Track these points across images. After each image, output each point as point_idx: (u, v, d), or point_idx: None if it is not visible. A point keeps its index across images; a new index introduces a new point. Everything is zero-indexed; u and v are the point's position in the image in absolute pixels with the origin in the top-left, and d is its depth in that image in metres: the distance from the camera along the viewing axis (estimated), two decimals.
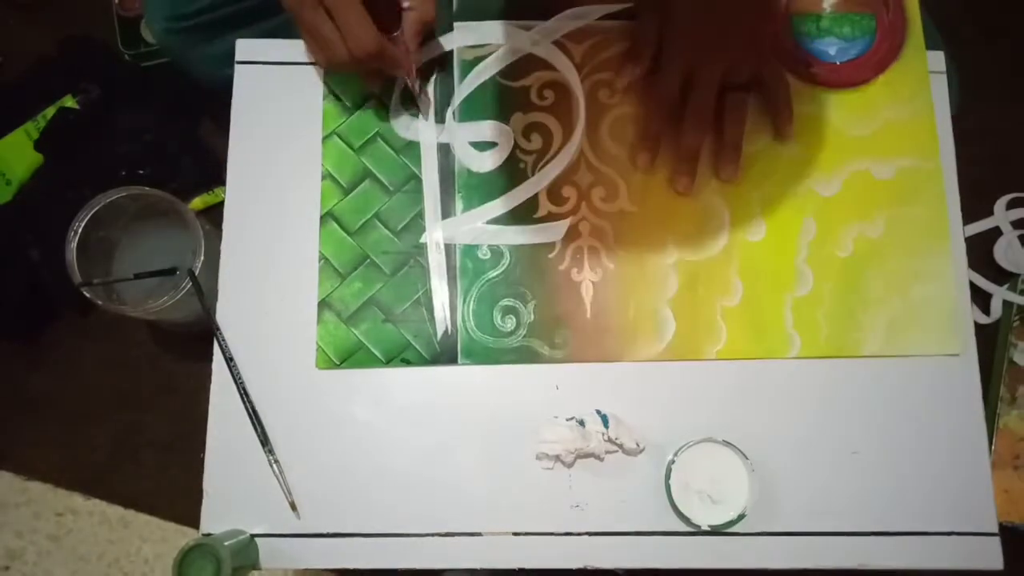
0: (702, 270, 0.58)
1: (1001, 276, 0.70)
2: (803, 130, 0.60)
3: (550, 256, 0.58)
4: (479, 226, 0.58)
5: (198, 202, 1.04)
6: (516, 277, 0.58)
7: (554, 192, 0.59)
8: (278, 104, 0.60)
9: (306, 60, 0.62)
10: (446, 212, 0.59)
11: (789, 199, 0.59)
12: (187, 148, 1.01)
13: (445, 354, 0.56)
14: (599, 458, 0.55)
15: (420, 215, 0.59)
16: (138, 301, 0.62)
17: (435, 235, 0.58)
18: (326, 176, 0.59)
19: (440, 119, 0.60)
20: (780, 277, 0.58)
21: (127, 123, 0.96)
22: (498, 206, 0.59)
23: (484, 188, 0.59)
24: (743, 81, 0.58)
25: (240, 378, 0.56)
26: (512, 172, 0.59)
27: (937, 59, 0.63)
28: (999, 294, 0.69)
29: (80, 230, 0.60)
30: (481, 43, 0.61)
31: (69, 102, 0.97)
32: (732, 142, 0.59)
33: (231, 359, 0.56)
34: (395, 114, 0.60)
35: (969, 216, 0.62)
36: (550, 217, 0.58)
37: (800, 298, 0.58)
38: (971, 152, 0.62)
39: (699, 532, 0.54)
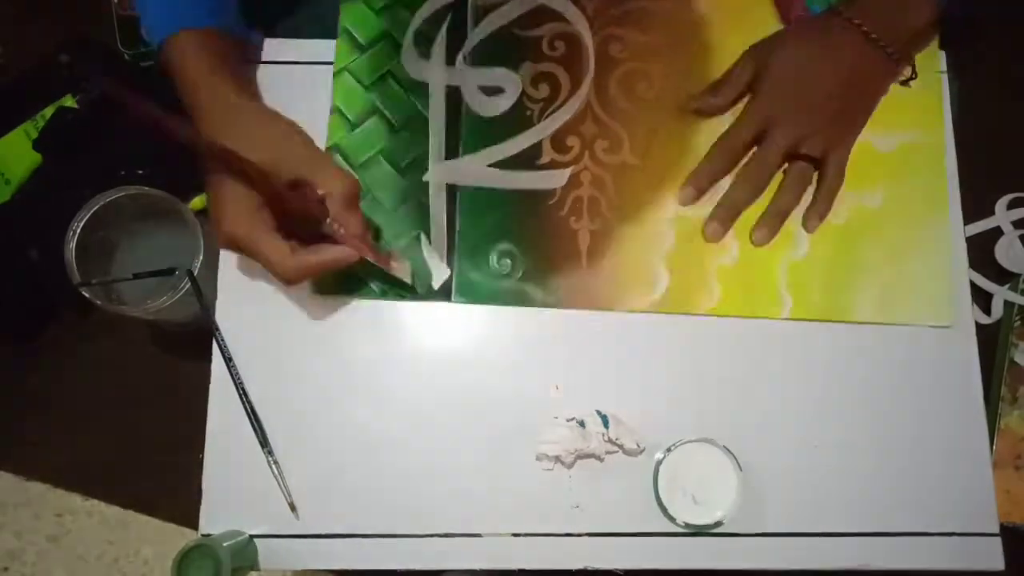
0: (698, 228, 0.59)
1: (1002, 276, 0.70)
2: None
3: (550, 203, 0.59)
4: (482, 168, 0.59)
5: (198, 202, 1.04)
6: (515, 221, 0.58)
7: (558, 140, 0.60)
8: (278, 104, 0.60)
9: (307, 60, 0.62)
10: (451, 153, 0.59)
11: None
12: (186, 147, 1.01)
13: (440, 291, 0.57)
14: (599, 459, 0.55)
15: (424, 155, 0.59)
16: (137, 301, 0.62)
17: (438, 175, 0.59)
18: (335, 111, 0.60)
19: (451, 61, 0.61)
20: (776, 239, 0.59)
21: (127, 123, 0.96)
22: (502, 150, 0.59)
23: (490, 132, 0.60)
24: (814, 155, 0.58)
25: (239, 378, 0.56)
26: (518, 118, 0.60)
27: (938, 59, 0.63)
28: (1000, 294, 0.69)
29: (79, 230, 0.60)
30: None
31: (68, 102, 0.97)
32: (779, 209, 0.59)
33: (230, 359, 0.56)
34: (407, 52, 0.61)
35: (970, 216, 0.62)
36: (553, 165, 0.59)
37: (795, 261, 0.58)
38: (971, 152, 0.62)
39: (698, 533, 0.54)
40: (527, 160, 0.59)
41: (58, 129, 0.96)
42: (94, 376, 1.01)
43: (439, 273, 0.57)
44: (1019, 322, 0.67)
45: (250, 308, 0.58)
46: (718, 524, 0.52)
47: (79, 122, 0.96)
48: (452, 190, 0.59)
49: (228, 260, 0.58)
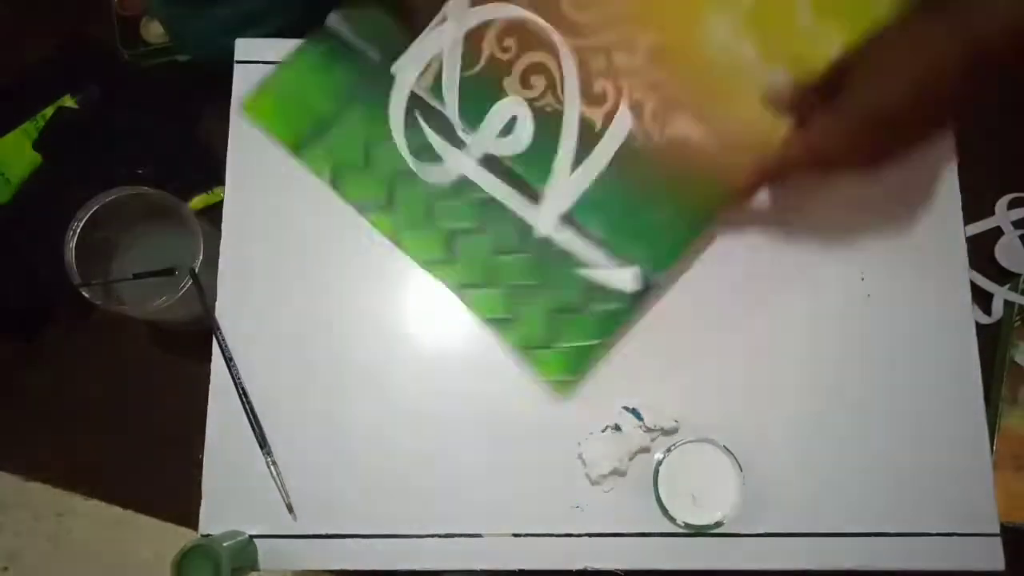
0: (758, 8, 0.57)
1: (1002, 276, 0.69)
2: None
3: (640, 142, 0.57)
4: (569, 181, 0.57)
5: (197, 202, 1.03)
6: (634, 182, 0.56)
7: (590, 97, 0.58)
8: None
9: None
10: (535, 198, 0.58)
11: None
12: (186, 148, 1.01)
13: (645, 285, 0.56)
14: (647, 450, 0.55)
15: (521, 220, 0.58)
16: (137, 301, 0.62)
17: (552, 220, 0.57)
18: (428, 265, 0.58)
19: (459, 144, 0.59)
20: None
21: (126, 123, 0.96)
22: (566, 154, 0.57)
23: (542, 154, 0.58)
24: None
25: (239, 378, 0.56)
26: (548, 121, 0.58)
27: None
28: (1000, 294, 0.69)
29: (79, 230, 0.60)
30: (424, 66, 0.60)
31: (68, 102, 0.97)
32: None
33: (230, 359, 0.56)
34: (423, 170, 0.59)
35: (970, 216, 0.62)
36: (608, 119, 0.57)
37: None
38: (971, 152, 0.62)
39: (698, 533, 0.54)
40: (589, 137, 0.57)
41: (58, 129, 0.96)
42: (94, 376, 1.01)
43: (627, 278, 0.56)
44: (1019, 322, 0.67)
45: (250, 308, 0.57)
46: (718, 524, 0.52)
47: (79, 122, 0.96)
48: (567, 218, 0.57)
49: (228, 260, 0.58)
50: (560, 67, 0.59)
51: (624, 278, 0.56)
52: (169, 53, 0.94)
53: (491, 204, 0.58)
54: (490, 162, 0.59)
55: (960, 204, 0.60)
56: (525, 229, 0.58)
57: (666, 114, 0.57)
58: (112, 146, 0.93)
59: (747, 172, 0.54)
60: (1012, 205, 0.71)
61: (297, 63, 0.61)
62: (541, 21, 0.59)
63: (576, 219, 0.57)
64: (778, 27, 0.56)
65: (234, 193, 0.59)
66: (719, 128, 0.56)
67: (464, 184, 0.59)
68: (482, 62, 0.59)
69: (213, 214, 0.65)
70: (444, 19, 0.60)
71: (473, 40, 0.60)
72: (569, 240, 0.57)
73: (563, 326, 0.56)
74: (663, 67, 0.58)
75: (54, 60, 1.05)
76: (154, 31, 0.95)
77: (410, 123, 0.60)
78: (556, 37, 0.59)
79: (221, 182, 0.60)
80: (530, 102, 0.59)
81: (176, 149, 1.00)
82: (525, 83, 0.59)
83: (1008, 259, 0.69)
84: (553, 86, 0.59)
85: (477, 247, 0.58)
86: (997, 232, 0.70)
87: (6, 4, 1.14)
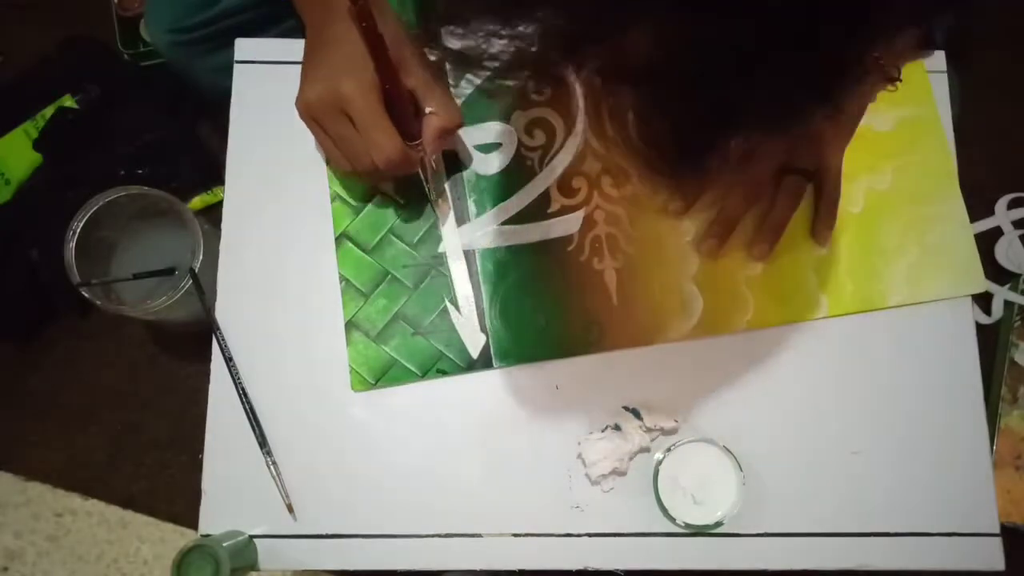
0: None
1: (1002, 276, 0.70)
2: None
3: (569, 249, 0.58)
4: (495, 228, 0.58)
5: (197, 202, 1.04)
6: (539, 274, 0.57)
7: (564, 185, 0.59)
8: (277, 103, 0.60)
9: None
10: (460, 219, 0.58)
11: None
12: (186, 147, 1.01)
13: (480, 359, 0.56)
14: (647, 450, 0.55)
15: (435, 225, 0.58)
16: (137, 301, 0.62)
17: (452, 243, 0.58)
18: (335, 198, 0.58)
19: None
20: (797, 240, 0.58)
21: (126, 123, 0.96)
22: (511, 206, 0.58)
23: (494, 190, 0.59)
24: (807, 168, 0.57)
25: (239, 378, 0.56)
26: (520, 170, 0.59)
27: (938, 59, 0.63)
28: (1000, 294, 0.69)
29: (79, 230, 0.60)
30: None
31: (68, 102, 0.97)
32: (775, 224, 0.58)
33: (230, 359, 0.56)
34: None
35: (970, 216, 0.62)
36: (564, 210, 0.58)
37: (820, 258, 0.58)
38: (971, 152, 0.62)
39: (698, 533, 0.54)
40: (538, 211, 0.58)
41: (58, 129, 0.96)
42: (94, 376, 1.01)
43: (474, 342, 0.56)
44: (1019, 322, 0.67)
45: (250, 308, 0.57)
46: (718, 524, 0.52)
47: (79, 122, 0.96)
48: (470, 255, 0.58)
49: (227, 260, 0.58)
50: (564, 143, 0.59)
51: (477, 341, 0.56)
52: None
53: (422, 191, 0.59)
54: (452, 161, 0.59)
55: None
56: (433, 235, 0.58)
57: (604, 249, 0.58)
58: (112, 146, 0.94)
59: (622, 344, 0.56)
60: (1012, 205, 0.71)
61: None
62: (582, 102, 0.60)
63: (476, 262, 0.58)
64: (723, 266, 0.58)
65: (233, 193, 0.59)
66: (629, 294, 0.57)
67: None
68: (512, 82, 0.60)
69: (213, 214, 0.65)
70: None
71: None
72: (459, 274, 0.58)
73: (400, 335, 0.56)
74: (631, 215, 0.58)
75: (54, 60, 1.05)
76: None
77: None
78: (581, 121, 0.59)
79: (221, 182, 0.60)
80: (520, 144, 0.59)
81: (176, 149, 1.01)
82: (529, 129, 0.60)
83: (1008, 259, 0.69)
84: (547, 150, 0.59)
85: (385, 215, 0.58)
86: (997, 232, 0.70)
87: (6, 4, 1.14)
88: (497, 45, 0.36)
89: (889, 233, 0.59)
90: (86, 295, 0.60)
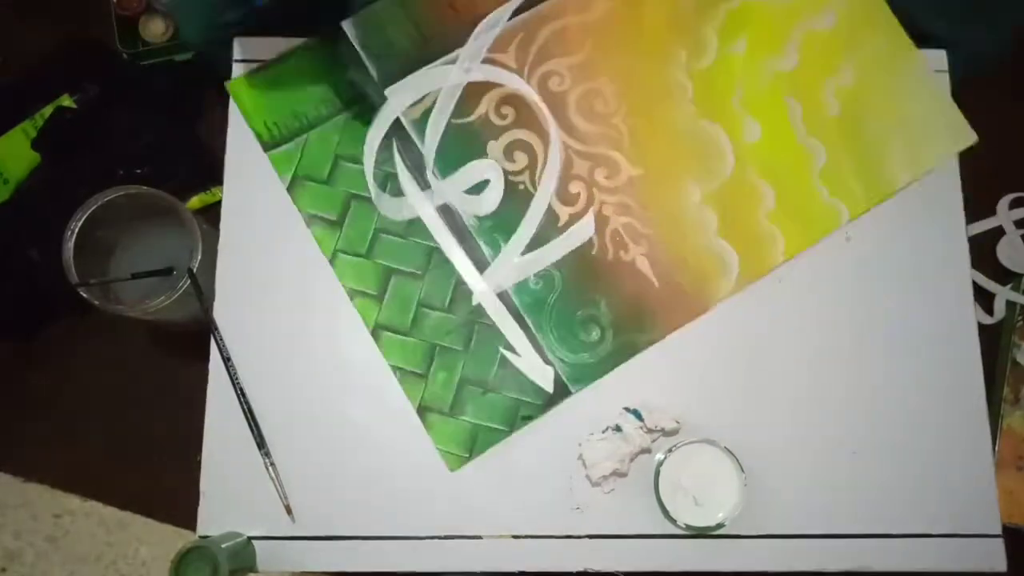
0: (728, 192, 0.59)
1: (1004, 276, 0.69)
2: (742, 23, 0.61)
3: (594, 253, 0.58)
4: (517, 262, 0.58)
5: (196, 201, 1.03)
6: (576, 288, 0.57)
7: (563, 194, 0.58)
8: None
9: None
10: (480, 265, 0.58)
11: (763, 89, 0.60)
12: (185, 147, 1.01)
13: (557, 391, 0.56)
14: (648, 451, 0.54)
15: (460, 281, 0.58)
16: (135, 301, 0.62)
17: (483, 292, 0.57)
18: (355, 295, 0.57)
19: (424, 186, 0.59)
20: (796, 160, 0.60)
21: (125, 122, 0.96)
22: (523, 236, 0.58)
23: (501, 226, 0.58)
24: None
25: (237, 378, 0.55)
26: (516, 197, 0.58)
27: (938, 58, 0.62)
28: (1002, 294, 0.68)
29: (77, 229, 0.60)
30: (418, 97, 0.59)
31: (67, 101, 0.97)
32: None
33: (229, 359, 0.56)
34: (379, 201, 0.59)
35: (971, 216, 0.61)
36: (573, 219, 0.58)
37: (822, 168, 0.59)
38: (972, 152, 0.62)
39: (700, 535, 0.54)
40: (549, 230, 0.58)
41: (56, 129, 0.96)
42: (92, 376, 1.01)
43: (544, 376, 0.56)
44: (1021, 322, 0.67)
45: (248, 308, 0.57)
46: (720, 526, 0.52)
47: (77, 122, 0.96)
48: (504, 297, 0.57)
49: (226, 259, 0.58)
50: (546, 155, 0.59)
51: (546, 375, 0.56)
52: (168, 52, 0.94)
53: (437, 254, 0.58)
54: (448, 214, 0.58)
55: (962, 204, 0.60)
56: (462, 291, 0.57)
57: (625, 239, 0.58)
58: (111, 146, 0.93)
59: (678, 322, 0.57)
60: (1013, 205, 0.71)
61: (296, 59, 0.60)
62: (545, 109, 0.59)
63: (513, 301, 0.57)
64: (740, 212, 0.59)
65: (232, 193, 0.59)
66: (665, 272, 0.58)
67: (417, 226, 0.58)
68: (474, 117, 0.59)
69: (211, 214, 0.65)
70: (454, 60, 0.60)
71: (474, 92, 0.59)
72: (501, 318, 0.57)
73: (472, 400, 0.56)
74: (637, 198, 0.59)
75: (53, 60, 1.05)
76: (152, 30, 0.95)
77: (384, 148, 0.59)
78: (553, 128, 0.59)
79: (219, 182, 0.60)
80: (506, 173, 0.59)
81: (174, 149, 1.00)
82: (508, 155, 0.59)
83: (1010, 259, 0.69)
84: (533, 168, 0.59)
85: (409, 292, 0.57)
86: (999, 232, 0.70)
87: (6, 4, 1.14)
88: None
89: (872, 122, 0.60)
90: (84, 295, 0.60)
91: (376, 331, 0.57)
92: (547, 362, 0.56)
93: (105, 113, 0.96)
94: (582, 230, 0.58)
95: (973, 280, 0.61)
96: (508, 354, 0.56)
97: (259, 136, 0.59)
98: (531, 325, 0.57)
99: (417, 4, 0.60)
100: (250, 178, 0.59)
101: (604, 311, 0.57)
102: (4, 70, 1.11)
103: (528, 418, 0.56)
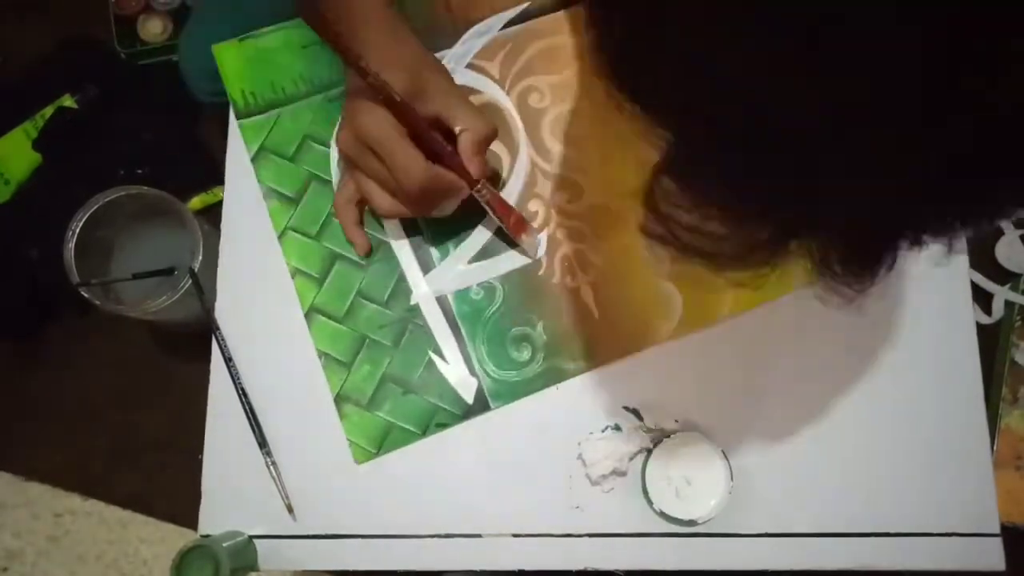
0: None
1: (1003, 276, 0.69)
2: None
3: (540, 273, 0.57)
4: (462, 269, 0.57)
5: (196, 201, 1.04)
6: (516, 305, 0.57)
7: (521, 211, 0.57)
8: None
9: None
10: (425, 267, 0.57)
11: None
12: (185, 147, 1.01)
13: (476, 404, 0.55)
14: (650, 450, 0.55)
15: (402, 278, 0.57)
16: (136, 301, 0.62)
17: (423, 292, 0.57)
18: (295, 273, 0.57)
19: None
20: None
21: (125, 122, 0.96)
22: (473, 244, 0.57)
23: (453, 231, 0.57)
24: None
25: (239, 378, 0.56)
26: (474, 206, 0.56)
27: None
28: (1001, 294, 0.68)
29: (78, 230, 0.60)
30: None
31: (67, 101, 0.97)
32: None
33: (230, 359, 0.56)
34: (337, 185, 0.58)
35: None
36: (526, 235, 0.57)
37: None
38: None
39: (697, 534, 0.54)
40: (501, 242, 0.57)
41: (57, 129, 0.96)
42: (94, 376, 1.01)
43: (467, 387, 0.56)
44: (1020, 322, 0.67)
45: (249, 308, 0.57)
46: (692, 523, 0.52)
47: (78, 122, 0.96)
48: (443, 301, 0.57)
49: (227, 259, 0.58)
50: (512, 168, 0.59)
51: (469, 386, 0.56)
52: (165, 52, 0.94)
53: (384, 247, 0.58)
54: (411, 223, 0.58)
55: None
56: (402, 288, 0.57)
57: (574, 265, 0.57)
58: (112, 146, 0.94)
59: (611, 356, 0.56)
60: None
61: (284, 34, 0.60)
62: (519, 124, 0.59)
63: (452, 307, 0.57)
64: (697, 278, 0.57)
65: (233, 192, 0.59)
66: (608, 305, 0.56)
67: (370, 216, 0.58)
68: None
69: (212, 214, 0.65)
70: (440, 60, 0.58)
71: None
72: (436, 322, 0.57)
73: (392, 398, 0.55)
74: (594, 227, 0.58)
75: (54, 60, 1.05)
76: (150, 30, 0.95)
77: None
78: (524, 143, 0.59)
79: (220, 181, 0.60)
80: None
81: (175, 149, 1.01)
82: None
83: (1009, 259, 0.69)
84: (496, 180, 0.58)
85: (350, 280, 0.57)
86: (997, 232, 0.70)
87: (6, 4, 1.14)
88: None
89: None
90: (85, 295, 0.60)
91: (310, 313, 0.57)
92: (473, 373, 0.56)
93: (106, 113, 0.96)
94: (532, 249, 0.57)
95: (972, 280, 0.61)
96: (436, 359, 0.56)
97: (235, 103, 0.59)
98: (464, 334, 0.56)
99: None
100: (251, 178, 0.59)
101: (539, 332, 0.56)
102: (5, 70, 1.11)
103: (443, 425, 0.55)
